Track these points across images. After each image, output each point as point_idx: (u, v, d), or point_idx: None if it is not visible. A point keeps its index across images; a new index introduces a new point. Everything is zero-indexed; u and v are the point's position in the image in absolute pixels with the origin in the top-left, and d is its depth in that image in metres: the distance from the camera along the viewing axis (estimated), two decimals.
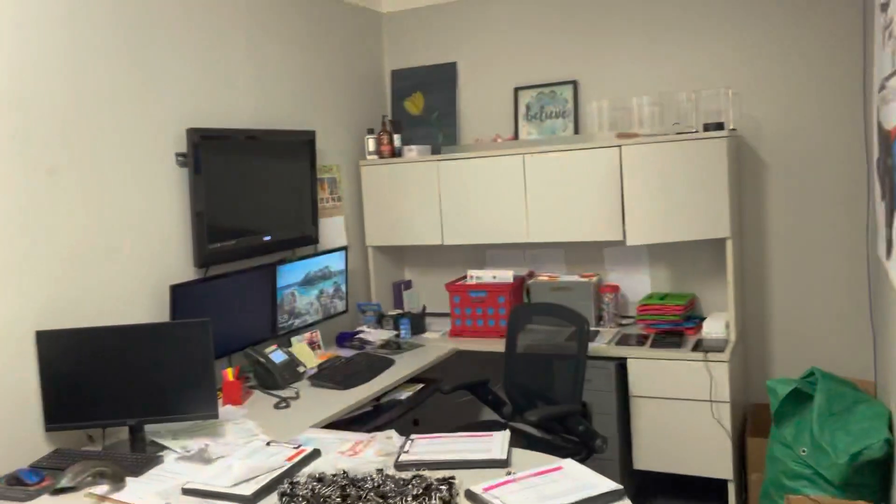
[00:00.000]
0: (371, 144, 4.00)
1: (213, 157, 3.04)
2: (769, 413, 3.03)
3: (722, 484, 3.36)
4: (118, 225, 2.72)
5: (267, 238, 3.33)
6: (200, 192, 2.99)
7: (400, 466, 2.09)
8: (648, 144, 3.32)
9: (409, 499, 1.85)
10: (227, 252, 3.12)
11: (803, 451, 2.79)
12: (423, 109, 4.26)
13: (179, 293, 2.79)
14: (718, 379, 3.11)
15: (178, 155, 2.97)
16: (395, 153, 4.00)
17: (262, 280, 3.23)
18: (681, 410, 3.19)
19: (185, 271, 3.00)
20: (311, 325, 3.55)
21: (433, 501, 1.84)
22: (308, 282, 3.51)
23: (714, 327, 3.36)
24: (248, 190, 3.25)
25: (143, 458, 2.26)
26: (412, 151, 3.92)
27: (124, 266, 2.74)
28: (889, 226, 2.18)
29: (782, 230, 3.56)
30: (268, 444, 2.31)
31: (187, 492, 2.00)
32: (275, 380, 2.99)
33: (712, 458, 3.16)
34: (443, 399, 4.13)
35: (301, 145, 3.56)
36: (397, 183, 3.92)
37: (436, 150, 4.05)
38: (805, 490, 2.76)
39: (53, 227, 2.49)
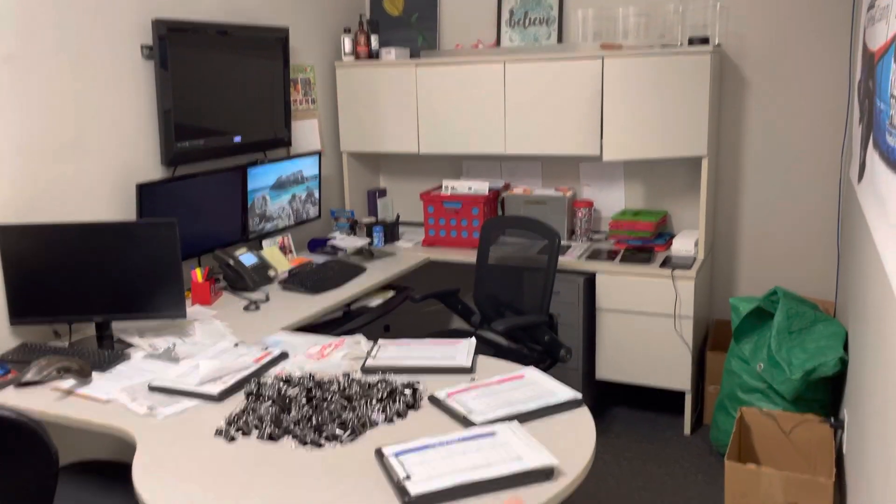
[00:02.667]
0: (347, 45, 3.86)
1: (180, 51, 2.92)
2: (730, 329, 3.12)
3: (679, 395, 3.49)
4: (80, 118, 2.63)
5: (237, 139, 3.25)
6: (167, 88, 2.88)
7: (366, 370, 2.12)
8: (632, 57, 3.25)
9: (374, 402, 1.89)
10: (195, 151, 3.04)
11: (760, 367, 2.89)
12: (403, 10, 4.09)
13: (146, 192, 2.73)
14: (684, 295, 3.17)
15: (143, 47, 2.84)
16: (372, 55, 3.87)
17: (232, 182, 3.17)
18: (645, 324, 3.27)
19: (152, 169, 2.93)
20: (283, 229, 3.52)
21: (397, 405, 1.87)
22: (280, 186, 3.46)
23: (683, 245, 3.40)
24: (218, 88, 3.14)
25: (109, 354, 2.27)
26: (390, 54, 3.80)
27: (88, 161, 2.66)
28: (864, 148, 2.17)
29: (758, 150, 3.55)
30: (236, 345, 2.33)
31: (154, 389, 2.02)
32: (244, 282, 2.98)
33: (672, 371, 3.26)
34: (413, 307, 4.18)
35: (273, 43, 3.42)
36: (374, 87, 3.81)
37: (414, 54, 3.92)
38: (758, 403, 2.88)
39: (11, 118, 2.39)
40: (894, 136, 1.50)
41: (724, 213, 3.66)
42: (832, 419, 2.66)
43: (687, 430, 3.34)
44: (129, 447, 1.77)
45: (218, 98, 3.14)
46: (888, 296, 1.61)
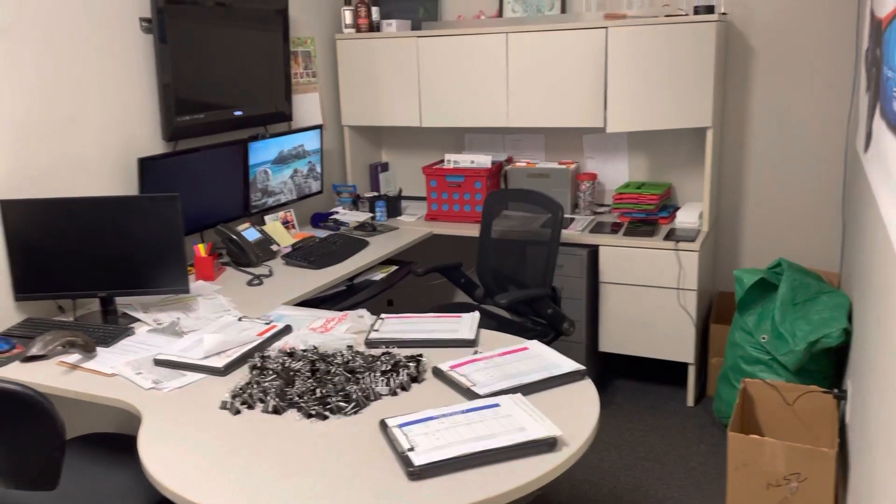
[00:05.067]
0: (348, 17, 3.82)
1: (179, 24, 2.88)
2: (734, 301, 3.11)
3: (682, 367, 3.50)
4: (79, 93, 2.61)
5: (238, 113, 3.23)
6: (167, 62, 2.86)
7: (370, 344, 2.12)
8: (636, 27, 3.20)
9: (378, 374, 1.89)
10: (196, 126, 3.02)
11: (764, 338, 2.89)
12: None
13: (148, 167, 2.72)
14: (687, 268, 3.16)
15: (142, 20, 2.81)
16: (373, 27, 3.83)
17: (233, 156, 3.15)
18: (648, 297, 3.26)
19: (153, 144, 2.92)
20: (285, 204, 3.51)
21: (401, 377, 1.88)
22: (281, 160, 3.44)
23: (688, 217, 3.38)
24: (218, 62, 3.11)
25: (114, 329, 2.27)
26: (391, 26, 3.76)
27: (88, 137, 2.65)
28: (871, 117, 2.15)
29: (763, 121, 3.51)
30: (239, 319, 2.33)
31: (159, 363, 2.03)
32: (248, 257, 2.98)
33: (675, 343, 3.26)
34: (416, 281, 4.19)
35: (273, 15, 3.38)
36: (375, 60, 3.78)
37: (416, 26, 3.88)
38: (761, 374, 2.88)
39: (7, 93, 2.37)
40: None
41: (728, 184, 3.64)
42: (835, 390, 2.66)
43: (690, 401, 3.36)
44: (133, 421, 1.78)
45: (218, 71, 3.12)
46: (893, 265, 1.60)
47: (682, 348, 3.26)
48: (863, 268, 2.38)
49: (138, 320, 2.39)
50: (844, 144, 3.38)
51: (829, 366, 2.86)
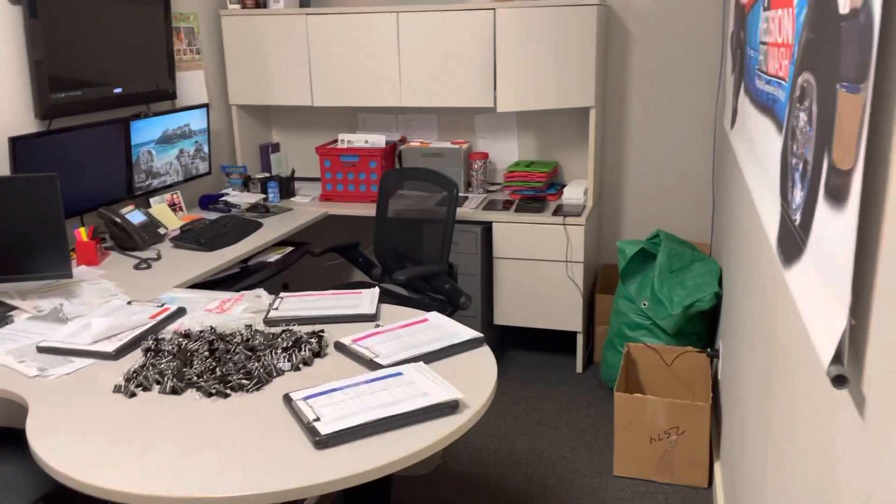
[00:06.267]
0: None
1: None
2: (617, 272, 3.30)
3: (571, 336, 3.67)
4: None
5: (118, 90, 3.08)
6: (38, 37, 2.68)
7: (269, 322, 2.10)
8: (523, 9, 3.30)
9: (279, 351, 1.89)
10: (72, 104, 2.86)
11: (644, 304, 3.08)
12: None
13: (20, 146, 2.55)
14: (574, 241, 3.32)
15: None
16: (260, 4, 3.74)
17: (114, 136, 3.01)
18: (539, 270, 3.40)
19: (25, 124, 2.73)
20: (172, 186, 3.39)
21: (303, 353, 1.88)
22: (166, 140, 3.31)
23: (574, 193, 3.54)
24: (95, 36, 2.95)
25: None
26: (278, 3, 3.68)
27: None
28: (736, 96, 2.33)
29: (641, 101, 3.72)
30: (129, 303, 2.25)
31: (43, 350, 1.93)
32: (133, 241, 2.87)
33: (564, 314, 3.42)
34: (312, 263, 4.15)
35: None
36: (263, 37, 3.69)
37: (304, 3, 3.82)
38: (643, 338, 3.08)
39: None
40: (762, 80, 1.63)
41: (610, 162, 3.83)
42: (708, 349, 2.89)
43: (579, 368, 3.53)
44: (16, 412, 1.69)
45: (95, 47, 2.95)
46: (758, 230, 1.76)
47: (570, 318, 3.43)
48: (731, 236, 2.59)
49: (15, 308, 2.25)
50: (713, 123, 3.64)
51: (702, 328, 3.10)
